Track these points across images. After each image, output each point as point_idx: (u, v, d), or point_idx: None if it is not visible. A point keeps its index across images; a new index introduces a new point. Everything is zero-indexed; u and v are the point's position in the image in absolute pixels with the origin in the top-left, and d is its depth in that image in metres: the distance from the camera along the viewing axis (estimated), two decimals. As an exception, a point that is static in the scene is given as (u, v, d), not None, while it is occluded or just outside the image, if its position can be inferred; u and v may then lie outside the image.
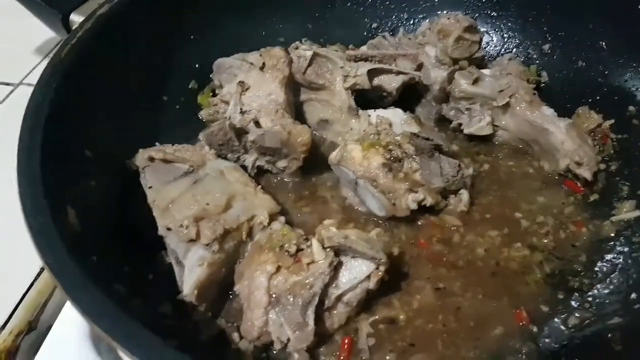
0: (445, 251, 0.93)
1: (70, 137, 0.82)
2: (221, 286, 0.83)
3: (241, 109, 1.00)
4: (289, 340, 0.76)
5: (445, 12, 1.24)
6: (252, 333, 0.77)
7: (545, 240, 0.94)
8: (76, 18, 1.06)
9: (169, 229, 0.81)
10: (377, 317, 0.84)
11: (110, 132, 0.93)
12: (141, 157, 0.92)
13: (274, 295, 0.77)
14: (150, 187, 0.88)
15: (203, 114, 1.12)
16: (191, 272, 0.79)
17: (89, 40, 0.90)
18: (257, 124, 0.99)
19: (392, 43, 1.14)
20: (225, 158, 1.00)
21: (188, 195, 0.85)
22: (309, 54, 1.05)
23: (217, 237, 0.80)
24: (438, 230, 0.95)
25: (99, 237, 0.77)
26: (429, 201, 0.92)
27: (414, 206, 0.91)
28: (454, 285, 0.88)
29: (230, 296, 0.84)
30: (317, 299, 0.77)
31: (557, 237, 0.94)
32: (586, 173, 0.97)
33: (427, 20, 1.23)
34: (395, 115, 1.03)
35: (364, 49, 1.16)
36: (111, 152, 0.92)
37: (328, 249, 0.79)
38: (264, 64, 1.04)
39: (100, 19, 0.93)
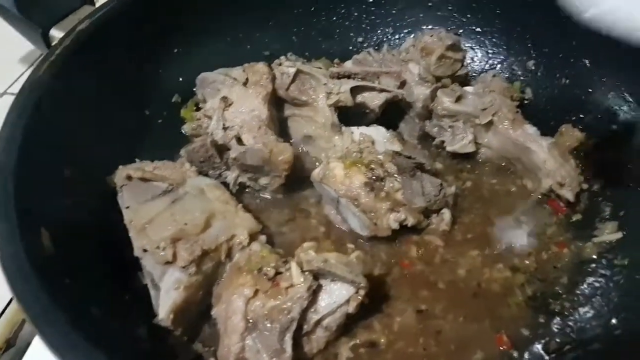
0: (426, 271, 0.92)
1: (48, 155, 0.81)
2: (199, 309, 0.82)
3: (224, 124, 0.99)
4: None
5: (429, 27, 1.24)
6: (229, 359, 0.75)
7: (527, 262, 0.93)
8: (56, 33, 1.05)
9: (145, 250, 0.80)
10: (357, 340, 0.83)
11: (89, 149, 0.91)
12: (119, 176, 0.90)
13: (251, 321, 0.76)
14: (127, 207, 0.86)
15: (186, 128, 1.10)
16: (167, 296, 0.77)
17: (69, 57, 0.89)
18: (239, 140, 0.98)
19: (377, 59, 1.14)
20: (207, 175, 0.99)
21: (166, 215, 0.84)
22: (292, 70, 1.05)
23: (195, 259, 0.79)
24: (419, 250, 0.95)
25: (74, 259, 0.76)
26: (410, 221, 0.91)
27: (395, 226, 0.91)
28: (435, 307, 0.88)
29: (208, 319, 0.83)
30: (295, 324, 0.76)
31: (539, 258, 0.94)
32: (568, 194, 0.97)
33: (412, 36, 1.23)
34: (378, 133, 1.03)
35: (348, 64, 1.16)
36: (90, 169, 0.90)
37: (307, 273, 0.78)
38: (247, 79, 1.04)
39: (80, 35, 0.92)
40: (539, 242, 0.96)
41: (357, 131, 1.03)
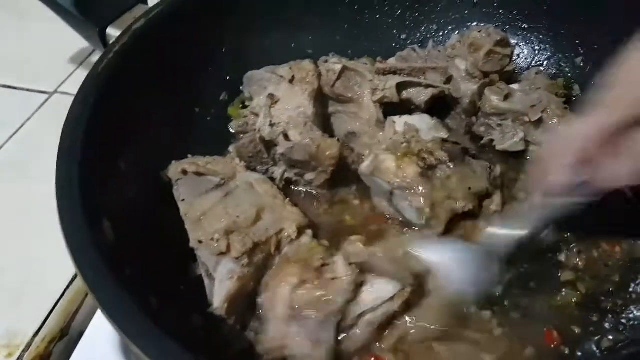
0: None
1: (107, 150, 0.84)
2: (250, 299, 0.84)
3: (271, 121, 1.01)
4: (306, 356, 0.76)
5: (474, 24, 1.24)
6: (269, 344, 0.77)
7: (577, 259, 0.92)
8: (113, 32, 1.08)
9: (200, 241, 0.82)
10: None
11: (143, 145, 0.94)
12: (174, 170, 0.93)
13: (295, 307, 0.77)
14: (182, 200, 0.89)
15: (233, 126, 1.13)
16: (221, 285, 0.79)
17: (126, 55, 0.91)
18: (286, 136, 0.99)
19: (422, 55, 1.14)
20: (255, 170, 1.01)
21: (219, 208, 0.86)
22: (338, 67, 1.06)
23: (247, 251, 0.80)
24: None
25: (132, 250, 0.78)
26: (468, 207, 0.91)
27: (456, 212, 0.91)
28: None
29: (259, 311, 0.84)
30: (338, 315, 0.77)
31: (590, 256, 0.92)
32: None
33: (457, 33, 1.22)
34: (422, 121, 1.02)
35: (392, 61, 1.16)
36: (144, 164, 0.93)
37: (353, 266, 0.79)
38: (293, 77, 1.05)
39: (136, 34, 0.94)
40: (588, 239, 0.95)
41: (400, 120, 1.03)
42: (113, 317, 0.60)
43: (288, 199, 0.93)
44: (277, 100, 1.03)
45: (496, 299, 0.88)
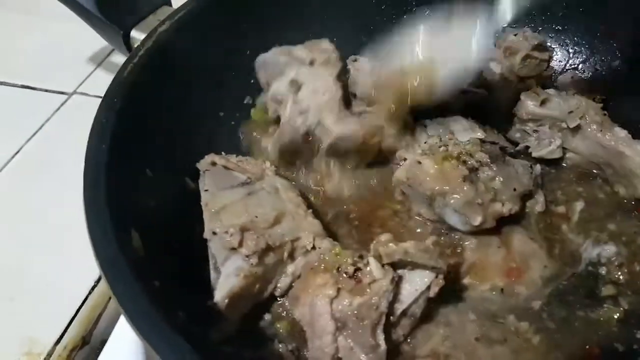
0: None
1: (133, 157, 0.81)
2: (252, 302, 0.82)
3: (299, 109, 0.97)
4: None
5: (506, 26, 1.20)
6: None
7: (619, 273, 0.88)
8: (137, 35, 1.06)
9: (214, 233, 0.82)
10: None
11: (170, 150, 0.92)
12: (204, 161, 0.94)
13: (339, 320, 0.75)
14: (206, 190, 0.89)
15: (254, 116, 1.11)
16: (226, 280, 0.78)
17: (151, 59, 0.90)
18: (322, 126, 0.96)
19: None
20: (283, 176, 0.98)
21: (240, 205, 0.86)
22: (369, 66, 1.03)
23: (259, 251, 0.80)
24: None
25: (160, 261, 0.76)
26: (515, 208, 0.88)
27: (503, 214, 0.88)
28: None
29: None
30: (384, 318, 0.75)
31: (632, 269, 0.88)
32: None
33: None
34: (456, 122, 1.00)
35: None
36: (170, 170, 0.91)
37: (386, 266, 0.77)
38: (312, 59, 1.00)
39: (160, 37, 0.93)
40: (630, 252, 0.91)
41: (432, 123, 1.01)
42: (142, 331, 0.58)
43: (311, 210, 0.90)
44: (301, 85, 0.99)
45: (534, 313, 0.84)
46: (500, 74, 1.02)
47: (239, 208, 0.85)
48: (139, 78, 0.87)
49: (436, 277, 0.78)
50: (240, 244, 0.79)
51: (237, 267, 0.78)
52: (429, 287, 0.78)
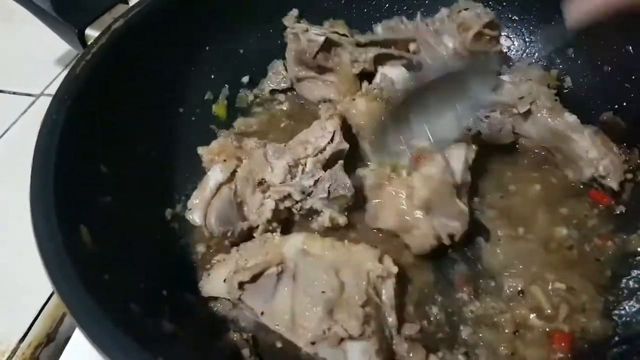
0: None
1: (86, 153, 0.82)
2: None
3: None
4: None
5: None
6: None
7: (569, 254, 0.90)
8: (92, 33, 1.06)
9: (313, 343, 0.74)
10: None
11: (126, 147, 0.92)
12: (231, 286, 0.81)
13: (424, 207, 0.87)
14: (262, 314, 0.79)
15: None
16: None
17: (104, 56, 0.90)
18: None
19: (409, 28, 1.14)
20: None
21: (300, 298, 0.77)
22: (321, 39, 1.06)
23: (362, 320, 0.73)
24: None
25: (113, 255, 0.77)
26: None
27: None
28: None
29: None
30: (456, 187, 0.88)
31: (582, 251, 0.91)
32: (612, 183, 0.94)
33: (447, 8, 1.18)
34: (399, 73, 1.06)
35: (378, 29, 1.19)
36: (127, 166, 0.91)
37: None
38: None
39: (115, 34, 0.93)
40: (580, 234, 0.93)
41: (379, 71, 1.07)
42: (87, 331, 0.59)
43: (346, 240, 0.85)
44: None
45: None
46: (453, 49, 1.03)
47: (303, 301, 0.77)
48: (91, 75, 0.87)
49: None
50: (344, 330, 0.73)
51: (362, 352, 0.73)
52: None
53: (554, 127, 0.98)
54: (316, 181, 0.92)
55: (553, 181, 1.01)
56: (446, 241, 0.87)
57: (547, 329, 0.82)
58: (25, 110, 1.37)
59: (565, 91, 1.11)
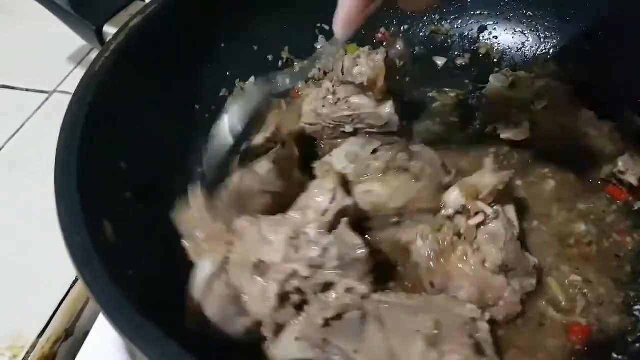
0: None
1: (106, 150, 0.82)
2: None
3: None
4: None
5: (478, 12, 1.23)
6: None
7: (588, 250, 0.90)
8: (109, 30, 1.06)
9: None
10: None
11: (144, 143, 0.92)
12: (312, 325, 0.73)
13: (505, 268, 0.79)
14: (356, 352, 0.70)
15: None
16: None
17: (123, 53, 0.90)
18: None
19: None
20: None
21: (394, 337, 0.70)
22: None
23: (471, 348, 0.69)
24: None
25: (135, 251, 0.77)
26: None
27: None
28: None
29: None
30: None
31: (601, 247, 0.91)
32: (631, 178, 0.94)
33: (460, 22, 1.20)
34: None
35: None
36: (146, 162, 0.91)
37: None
38: None
39: (133, 31, 0.93)
40: (599, 230, 0.93)
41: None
42: (112, 318, 0.59)
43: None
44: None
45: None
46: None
47: (399, 344, 0.70)
48: (110, 72, 0.87)
49: None
50: None
51: None
52: None
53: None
54: (325, 249, 0.76)
55: (570, 177, 1.01)
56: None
57: (564, 322, 0.82)
58: (39, 107, 1.38)
59: (582, 87, 1.11)
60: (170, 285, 0.81)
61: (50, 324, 0.97)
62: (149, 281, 0.76)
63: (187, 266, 0.87)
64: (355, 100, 1.01)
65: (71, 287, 1.01)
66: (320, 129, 1.07)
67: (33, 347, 0.94)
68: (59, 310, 0.98)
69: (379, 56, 0.98)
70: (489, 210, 0.81)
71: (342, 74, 1.01)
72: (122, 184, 0.84)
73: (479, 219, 0.80)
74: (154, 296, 0.72)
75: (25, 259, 1.05)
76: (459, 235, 0.81)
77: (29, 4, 1.25)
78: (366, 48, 1.03)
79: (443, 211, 0.84)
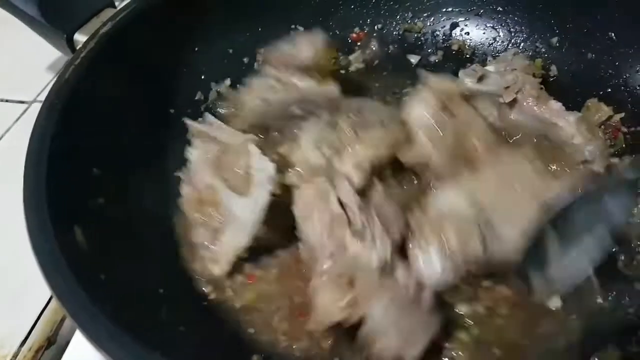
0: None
1: (77, 157, 0.83)
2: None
3: None
4: None
5: (449, 9, 1.25)
6: None
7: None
8: (80, 38, 1.07)
9: None
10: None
11: (118, 149, 0.93)
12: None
13: None
14: None
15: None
16: None
17: (93, 60, 0.91)
18: None
19: None
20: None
21: None
22: None
23: None
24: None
25: (107, 255, 0.78)
26: None
27: None
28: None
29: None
30: None
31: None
32: (599, 167, 0.94)
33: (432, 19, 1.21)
34: None
35: None
36: (119, 169, 0.92)
37: None
38: None
39: (103, 38, 0.94)
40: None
41: None
42: (83, 328, 0.61)
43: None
44: None
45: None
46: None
47: None
48: (81, 79, 0.88)
49: None
50: None
51: None
52: None
53: (540, 115, 0.99)
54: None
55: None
56: None
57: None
58: (19, 118, 1.38)
59: (551, 80, 1.13)
60: (144, 287, 0.81)
61: (33, 332, 0.97)
62: (122, 285, 0.76)
63: (160, 268, 0.88)
64: (300, 82, 1.01)
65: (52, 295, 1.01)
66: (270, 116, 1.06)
67: (15, 355, 0.94)
68: (41, 319, 0.99)
69: (317, 36, 1.02)
70: None
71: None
72: (94, 190, 0.85)
73: None
74: (126, 300, 0.74)
75: (5, 267, 1.05)
76: None
77: (4, 15, 1.26)
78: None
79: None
